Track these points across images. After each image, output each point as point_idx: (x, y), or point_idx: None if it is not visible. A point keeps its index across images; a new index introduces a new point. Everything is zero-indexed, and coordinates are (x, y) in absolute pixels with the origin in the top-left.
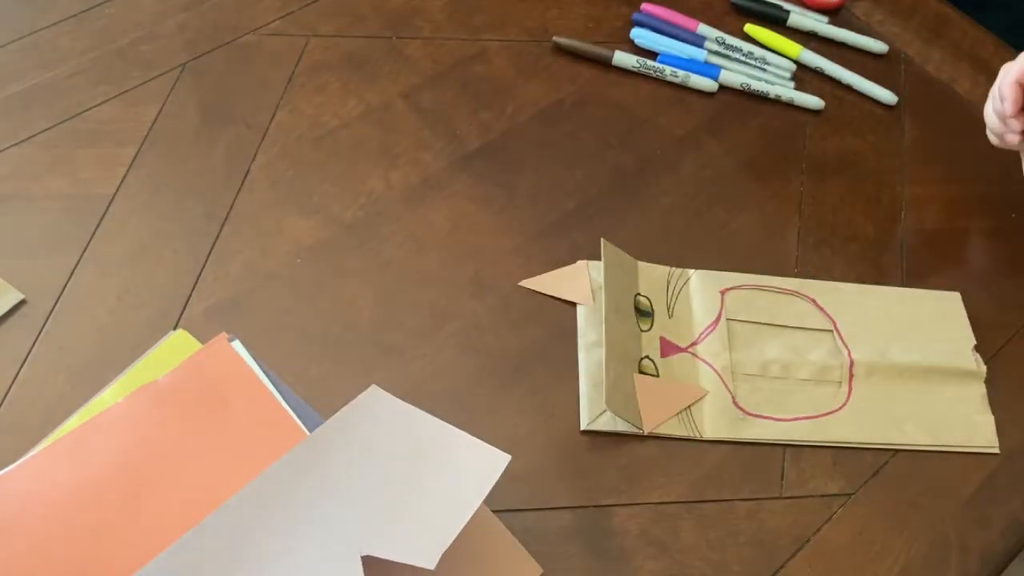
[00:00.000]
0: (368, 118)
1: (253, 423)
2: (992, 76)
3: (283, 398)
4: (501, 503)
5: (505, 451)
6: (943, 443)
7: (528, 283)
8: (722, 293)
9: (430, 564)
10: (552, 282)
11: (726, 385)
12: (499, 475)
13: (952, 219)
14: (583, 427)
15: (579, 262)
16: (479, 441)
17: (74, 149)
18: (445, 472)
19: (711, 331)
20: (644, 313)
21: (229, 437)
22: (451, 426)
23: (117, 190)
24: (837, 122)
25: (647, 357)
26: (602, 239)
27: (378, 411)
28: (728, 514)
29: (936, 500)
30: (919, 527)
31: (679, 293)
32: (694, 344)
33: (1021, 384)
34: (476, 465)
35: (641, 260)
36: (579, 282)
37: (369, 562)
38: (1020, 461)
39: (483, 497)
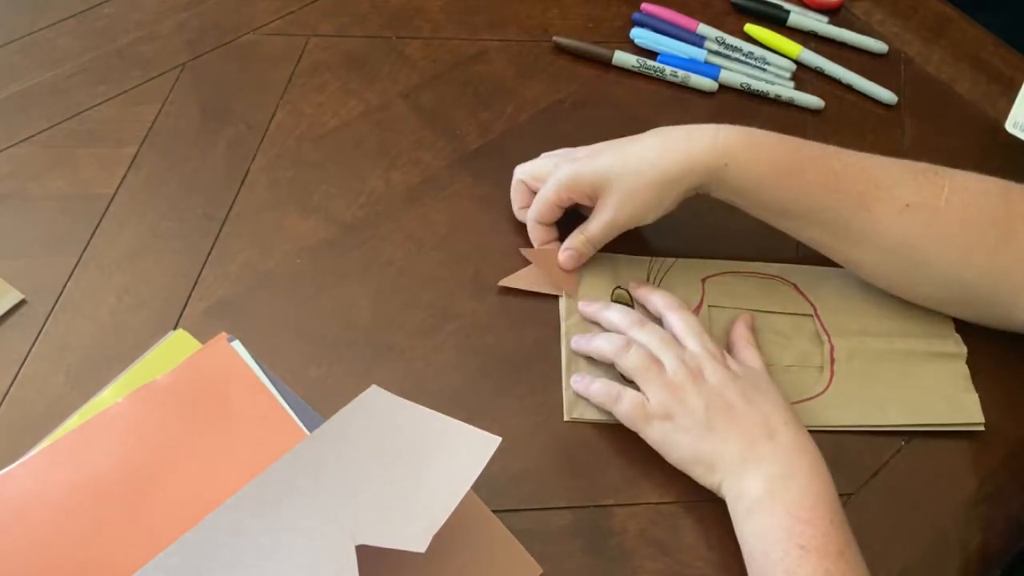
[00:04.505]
0: (368, 118)
1: (253, 423)
2: (992, 76)
3: (283, 398)
4: (501, 503)
5: (505, 450)
6: (927, 422)
7: (506, 281)
8: (703, 281)
9: (420, 547)
10: (529, 277)
11: None
12: (489, 457)
13: None
14: (565, 418)
15: (549, 245)
16: (469, 426)
17: (74, 149)
18: (438, 459)
19: None
20: (624, 305)
21: (229, 437)
22: (442, 415)
23: (117, 190)
24: (837, 122)
25: None
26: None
27: (378, 411)
28: (728, 514)
29: (936, 500)
30: (919, 527)
31: (660, 283)
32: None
33: (1021, 384)
34: (467, 449)
35: (640, 259)
36: (555, 272)
37: (365, 553)
38: (1020, 461)
39: (474, 479)
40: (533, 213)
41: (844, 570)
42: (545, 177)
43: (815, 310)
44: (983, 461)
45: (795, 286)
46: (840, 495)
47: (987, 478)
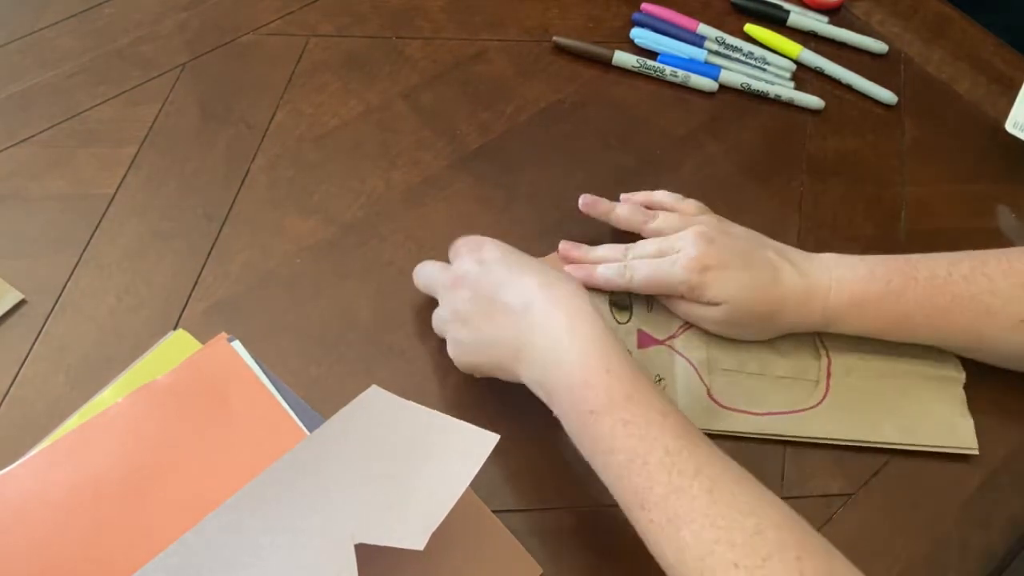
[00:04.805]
0: (368, 118)
1: (253, 423)
2: (992, 76)
3: (283, 398)
4: (501, 503)
5: (505, 451)
6: (920, 443)
7: None
8: None
9: (419, 545)
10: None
11: (702, 378)
12: (488, 454)
13: (952, 219)
14: None
15: (552, 254)
16: (468, 424)
17: (74, 149)
18: (436, 458)
19: (691, 326)
20: (622, 307)
21: (229, 437)
22: (441, 413)
23: (117, 190)
24: (837, 122)
25: None
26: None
27: (378, 411)
28: None
29: (936, 500)
30: (919, 527)
31: None
32: (672, 337)
33: (1020, 385)
34: (466, 447)
35: None
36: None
37: (364, 552)
38: (1020, 461)
39: (472, 476)
40: (639, 275)
41: (635, 413)
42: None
43: None
44: (984, 461)
45: None
46: (840, 495)
47: (987, 478)
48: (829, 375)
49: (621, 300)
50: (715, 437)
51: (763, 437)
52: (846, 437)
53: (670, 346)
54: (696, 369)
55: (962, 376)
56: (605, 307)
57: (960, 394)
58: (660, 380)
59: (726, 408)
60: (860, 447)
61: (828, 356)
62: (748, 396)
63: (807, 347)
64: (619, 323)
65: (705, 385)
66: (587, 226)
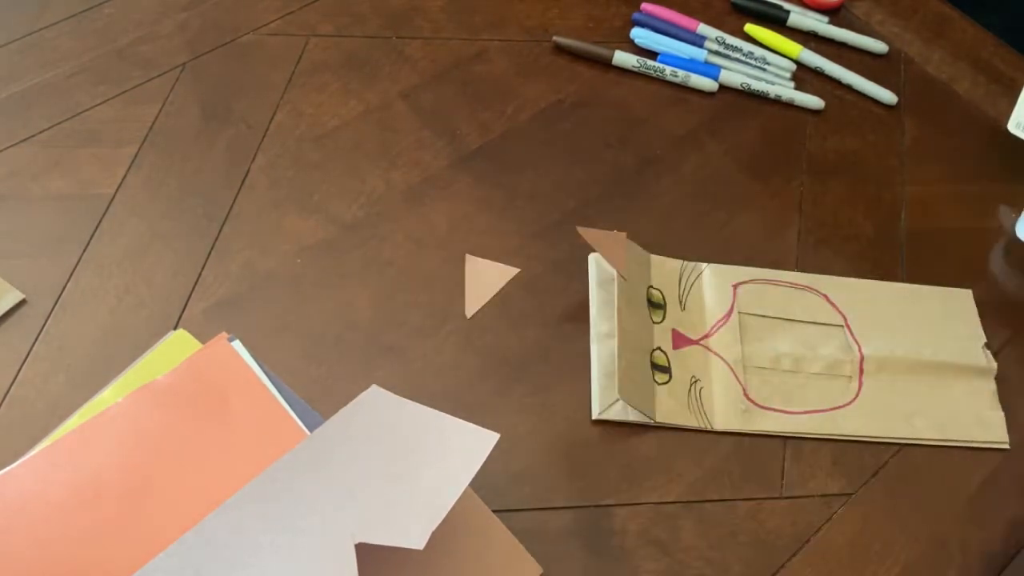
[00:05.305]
0: (368, 118)
1: (253, 423)
2: (992, 76)
3: (283, 398)
4: (501, 503)
5: (505, 450)
6: (952, 438)
7: (585, 232)
8: (734, 287)
9: (419, 544)
10: (595, 239)
11: (737, 378)
12: (488, 452)
13: (952, 219)
14: (594, 416)
15: (622, 233)
16: (467, 423)
17: (74, 149)
18: (436, 456)
19: (723, 324)
20: (656, 305)
21: (229, 437)
22: (441, 412)
23: (117, 190)
24: (837, 122)
25: (659, 349)
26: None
27: (378, 411)
28: (728, 514)
29: (936, 500)
30: (919, 527)
31: (691, 286)
32: (706, 336)
33: (1020, 384)
34: (466, 446)
35: (673, 260)
36: (618, 251)
37: (364, 552)
38: (1021, 461)
39: (472, 475)
40: None
41: None
42: None
43: (846, 321)
44: (984, 462)
45: (826, 297)
46: (840, 495)
47: (987, 479)
48: (862, 371)
49: (655, 298)
50: (741, 443)
51: (800, 436)
52: (881, 435)
53: (704, 345)
54: (731, 368)
55: (993, 367)
56: (644, 310)
57: (991, 386)
58: (696, 382)
59: (763, 408)
60: (867, 445)
61: (860, 351)
62: (784, 395)
63: (838, 342)
64: (654, 322)
65: (741, 385)
66: (586, 227)
